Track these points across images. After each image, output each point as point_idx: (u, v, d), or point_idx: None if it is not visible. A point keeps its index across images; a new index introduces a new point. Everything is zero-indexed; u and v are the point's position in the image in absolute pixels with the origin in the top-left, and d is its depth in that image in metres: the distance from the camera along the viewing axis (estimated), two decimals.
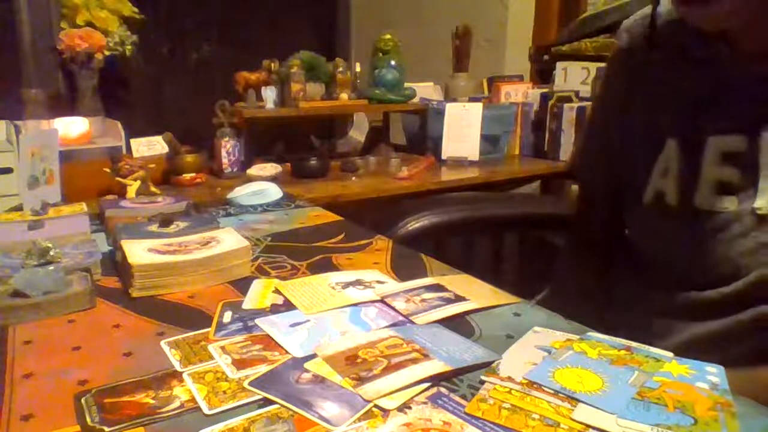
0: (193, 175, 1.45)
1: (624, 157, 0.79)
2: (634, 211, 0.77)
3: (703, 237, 0.67)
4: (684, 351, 0.52)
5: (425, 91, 2.21)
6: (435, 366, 0.50)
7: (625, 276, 0.81)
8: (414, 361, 0.51)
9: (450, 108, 1.93)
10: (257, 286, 0.71)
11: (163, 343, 0.55)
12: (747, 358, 0.63)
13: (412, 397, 0.46)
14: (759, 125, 0.64)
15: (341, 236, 0.92)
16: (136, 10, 2.42)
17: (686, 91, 0.71)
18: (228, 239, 0.78)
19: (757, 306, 0.65)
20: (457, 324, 0.60)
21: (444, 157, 1.90)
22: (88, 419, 0.43)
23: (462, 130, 1.90)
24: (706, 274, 0.68)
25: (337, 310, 0.63)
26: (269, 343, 0.55)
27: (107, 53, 2.29)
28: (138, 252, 0.71)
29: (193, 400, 0.46)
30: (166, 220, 0.86)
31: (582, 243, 0.93)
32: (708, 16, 0.62)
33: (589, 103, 1.86)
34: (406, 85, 2.01)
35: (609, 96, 0.85)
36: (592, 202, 0.91)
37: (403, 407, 0.45)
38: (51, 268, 0.67)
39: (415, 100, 2.04)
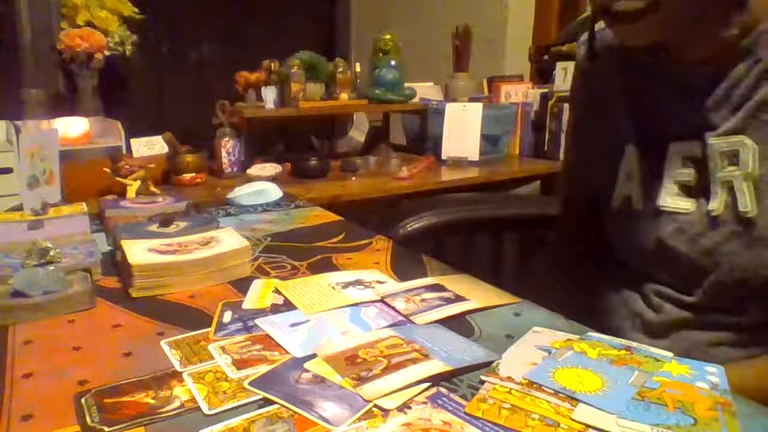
0: (193, 175, 1.45)
1: (593, 163, 0.81)
2: (605, 215, 0.79)
3: (666, 237, 0.69)
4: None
5: (425, 91, 2.21)
6: (435, 366, 0.50)
7: (608, 274, 0.82)
8: (414, 361, 0.51)
9: (450, 108, 1.93)
10: (257, 286, 0.71)
11: (163, 343, 0.55)
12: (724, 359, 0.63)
13: (412, 397, 0.46)
14: (704, 130, 0.66)
15: (341, 236, 0.92)
16: (136, 10, 2.42)
17: (639, 99, 0.73)
18: (228, 239, 0.78)
19: (719, 311, 0.67)
20: (457, 324, 0.60)
21: (444, 157, 1.90)
22: (88, 419, 0.43)
23: (462, 130, 1.90)
24: (674, 274, 0.70)
25: (337, 310, 0.63)
26: (269, 343, 0.55)
27: (107, 53, 2.29)
28: (138, 252, 0.71)
29: (193, 400, 0.46)
30: (166, 220, 0.86)
31: (568, 241, 0.93)
32: (639, 32, 0.63)
33: None
34: (406, 85, 2.01)
35: (574, 106, 0.89)
36: (573, 204, 0.92)
37: (403, 407, 0.45)
38: (51, 268, 0.67)
39: (415, 100, 2.04)
